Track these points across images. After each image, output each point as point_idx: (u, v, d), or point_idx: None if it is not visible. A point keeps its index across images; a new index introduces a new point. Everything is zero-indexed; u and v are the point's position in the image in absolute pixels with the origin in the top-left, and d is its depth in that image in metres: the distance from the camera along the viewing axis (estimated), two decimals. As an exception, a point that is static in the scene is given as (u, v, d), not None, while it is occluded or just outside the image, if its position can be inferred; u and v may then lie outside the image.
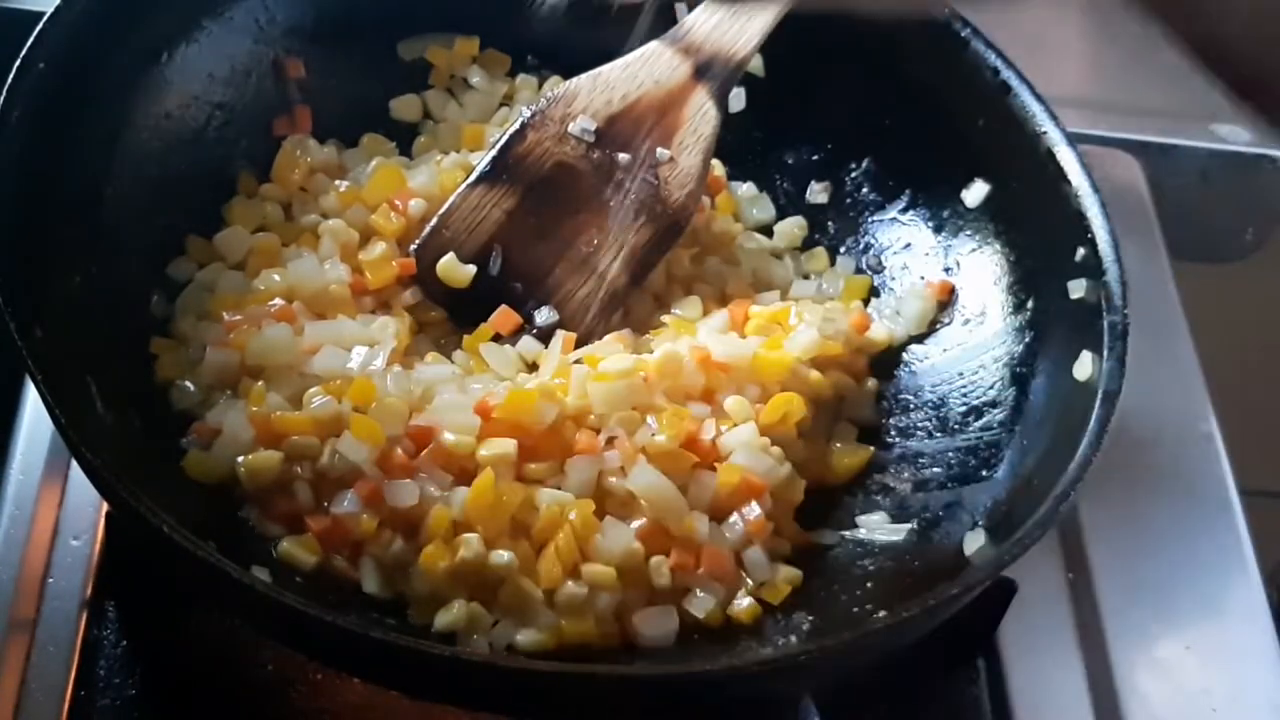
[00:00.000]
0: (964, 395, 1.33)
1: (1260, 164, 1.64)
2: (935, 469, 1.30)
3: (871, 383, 1.36)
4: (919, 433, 1.33)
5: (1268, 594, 1.35)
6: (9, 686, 1.17)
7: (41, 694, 1.17)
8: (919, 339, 1.38)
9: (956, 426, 1.31)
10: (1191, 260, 1.62)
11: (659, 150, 1.35)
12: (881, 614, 1.15)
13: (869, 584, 1.22)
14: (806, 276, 1.43)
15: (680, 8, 1.45)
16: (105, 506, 1.25)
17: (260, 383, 1.23)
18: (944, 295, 1.38)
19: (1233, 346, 1.65)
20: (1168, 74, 1.69)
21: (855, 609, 1.19)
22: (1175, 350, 1.49)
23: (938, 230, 1.40)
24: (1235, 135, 1.64)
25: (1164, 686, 1.29)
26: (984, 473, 1.26)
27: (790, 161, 1.47)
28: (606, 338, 1.30)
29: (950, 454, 1.30)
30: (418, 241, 1.34)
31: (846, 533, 1.27)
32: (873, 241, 1.44)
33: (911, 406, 1.35)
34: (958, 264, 1.38)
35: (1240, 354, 1.74)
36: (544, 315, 1.33)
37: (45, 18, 1.23)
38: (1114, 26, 1.74)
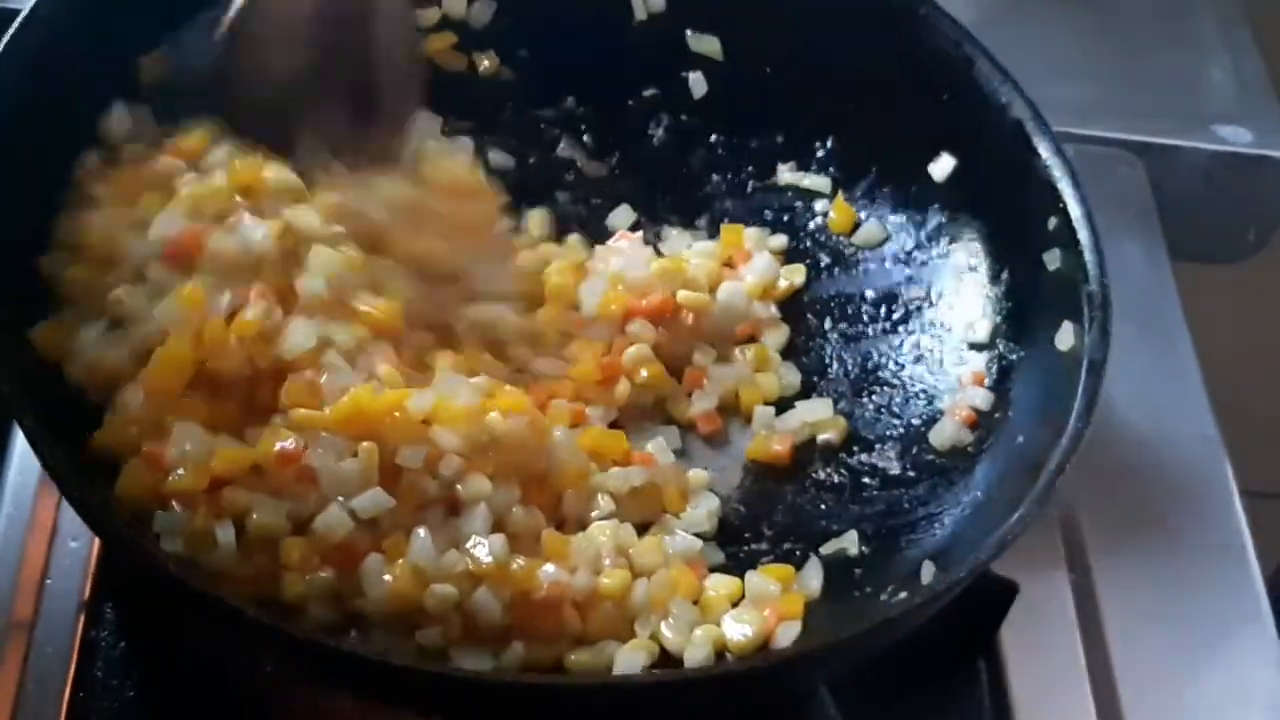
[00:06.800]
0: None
1: (1262, 165, 1.64)
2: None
3: None
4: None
5: (1268, 594, 1.35)
6: (7, 688, 1.17)
7: (39, 696, 1.17)
8: (897, 321, 1.37)
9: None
10: (1192, 260, 1.61)
11: None
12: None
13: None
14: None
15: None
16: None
17: None
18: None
19: (1233, 346, 1.65)
20: (1169, 74, 1.70)
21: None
22: (1175, 350, 1.49)
23: (906, 206, 1.38)
24: (1237, 136, 1.64)
25: (1165, 687, 1.29)
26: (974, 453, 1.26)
27: (754, 145, 1.44)
28: None
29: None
30: None
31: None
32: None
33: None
34: (928, 239, 1.37)
35: (1240, 354, 1.74)
36: None
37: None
38: (1116, 26, 1.74)
